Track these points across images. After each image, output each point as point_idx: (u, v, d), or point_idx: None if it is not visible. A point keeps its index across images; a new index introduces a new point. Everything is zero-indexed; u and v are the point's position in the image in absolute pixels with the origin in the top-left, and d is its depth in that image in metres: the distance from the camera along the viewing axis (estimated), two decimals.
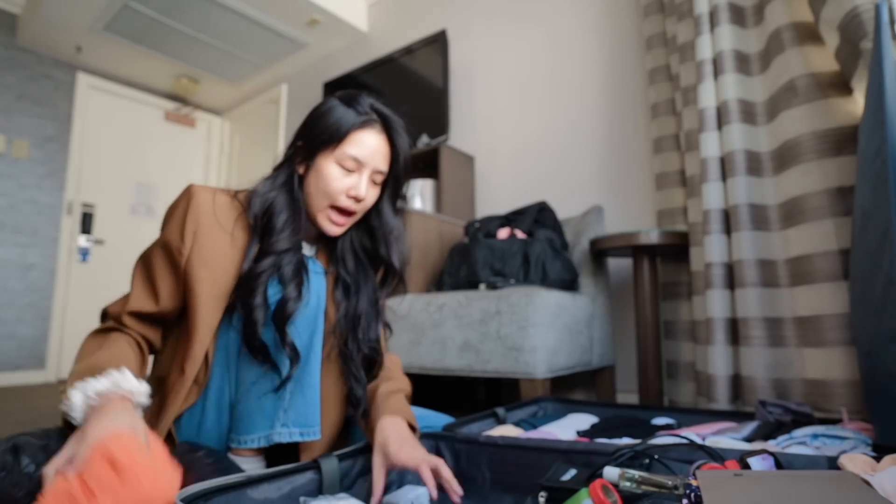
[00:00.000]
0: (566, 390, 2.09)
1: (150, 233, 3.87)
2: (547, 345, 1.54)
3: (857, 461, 0.68)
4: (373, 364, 0.95)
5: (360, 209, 0.89)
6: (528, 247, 1.80)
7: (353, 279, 0.94)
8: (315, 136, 0.86)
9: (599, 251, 1.84)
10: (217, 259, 0.80)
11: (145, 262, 0.82)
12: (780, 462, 0.71)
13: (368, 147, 0.86)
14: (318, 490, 0.73)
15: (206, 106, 4.37)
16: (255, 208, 0.83)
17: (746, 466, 0.67)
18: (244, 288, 0.79)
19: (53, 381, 3.32)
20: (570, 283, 1.83)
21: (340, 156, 0.85)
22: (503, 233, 1.93)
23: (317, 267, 0.88)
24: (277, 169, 0.89)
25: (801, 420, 1.12)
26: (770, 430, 1.03)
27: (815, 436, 0.93)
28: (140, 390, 0.68)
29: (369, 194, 0.88)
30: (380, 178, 0.90)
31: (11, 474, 0.63)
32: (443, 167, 2.39)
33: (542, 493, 0.70)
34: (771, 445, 0.91)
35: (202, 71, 3.84)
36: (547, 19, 2.50)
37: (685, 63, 1.77)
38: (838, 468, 0.69)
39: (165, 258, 0.80)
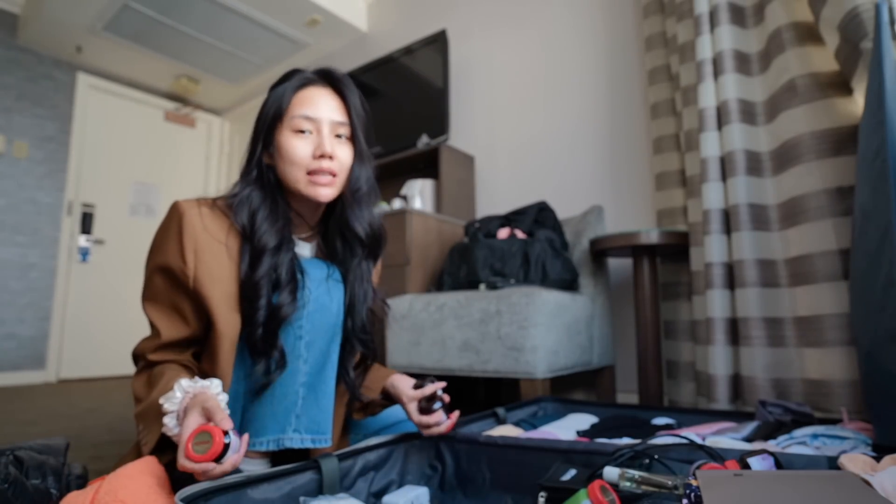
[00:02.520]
0: (566, 390, 2.09)
1: (150, 233, 3.85)
2: (547, 345, 1.54)
3: (857, 461, 0.68)
4: (365, 353, 0.95)
5: (338, 168, 0.85)
6: (528, 247, 1.80)
7: (342, 266, 0.91)
8: (263, 120, 0.85)
9: (599, 251, 1.84)
10: (222, 272, 0.79)
11: (155, 293, 0.81)
12: (780, 462, 0.71)
13: (314, 101, 0.84)
14: (318, 490, 0.72)
15: (206, 106, 4.37)
16: (241, 213, 0.82)
17: (746, 466, 0.67)
18: (247, 295, 0.78)
19: (53, 381, 3.32)
20: (570, 283, 1.83)
21: (291, 122, 0.83)
22: (503, 233, 1.93)
23: (336, 275, 0.87)
24: (246, 169, 0.87)
25: (801, 420, 1.12)
26: (770, 430, 1.03)
27: (815, 436, 0.93)
28: (214, 383, 0.71)
29: (338, 150, 0.85)
30: (344, 131, 0.86)
31: (15, 486, 0.63)
32: (443, 167, 2.39)
33: (542, 493, 0.70)
34: (771, 445, 0.91)
35: (202, 71, 3.84)
36: (547, 19, 2.50)
37: (685, 63, 1.77)
38: (838, 468, 0.69)
39: (172, 282, 0.79)
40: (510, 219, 2.01)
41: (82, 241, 3.55)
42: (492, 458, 0.88)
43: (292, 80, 0.86)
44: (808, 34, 1.38)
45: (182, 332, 0.80)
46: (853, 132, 1.27)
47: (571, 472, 0.74)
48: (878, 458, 0.69)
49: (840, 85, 1.33)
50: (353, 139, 0.88)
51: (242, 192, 0.84)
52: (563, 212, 2.18)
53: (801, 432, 0.95)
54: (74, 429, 1.73)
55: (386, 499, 0.77)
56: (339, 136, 0.86)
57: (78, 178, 3.56)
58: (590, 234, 1.96)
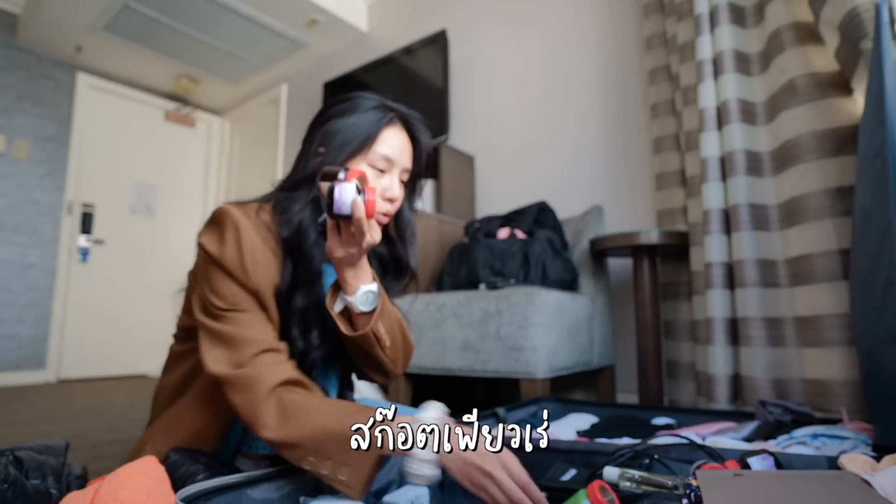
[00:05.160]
0: (566, 390, 2.08)
1: (149, 233, 3.88)
2: (547, 345, 1.54)
3: (857, 461, 0.68)
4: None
5: (394, 210, 0.86)
6: (528, 247, 1.80)
7: None
8: (343, 143, 0.81)
9: (599, 251, 1.84)
10: (273, 280, 0.77)
11: (238, 301, 0.74)
12: (780, 462, 0.71)
13: (397, 145, 0.85)
14: (319, 490, 0.72)
15: (206, 106, 4.37)
16: (289, 230, 0.78)
17: (746, 466, 0.67)
18: (282, 314, 0.77)
19: (53, 381, 3.32)
20: (570, 283, 1.83)
21: (373, 158, 0.82)
22: (503, 233, 1.93)
23: None
24: (299, 181, 0.83)
25: (801, 420, 1.12)
26: (770, 430, 1.03)
27: (815, 436, 0.93)
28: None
29: (399, 194, 0.85)
30: (406, 177, 0.88)
31: (15, 486, 0.63)
32: (443, 167, 2.39)
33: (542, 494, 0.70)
34: (771, 445, 0.91)
35: (202, 71, 3.84)
36: (547, 19, 2.50)
37: (685, 63, 1.77)
38: (838, 468, 0.69)
39: (241, 290, 0.74)
40: (510, 219, 2.01)
41: (82, 241, 3.55)
42: None
43: (382, 115, 0.84)
44: (808, 34, 1.38)
45: (273, 333, 0.76)
46: (853, 132, 1.27)
47: (571, 472, 0.74)
48: (878, 458, 0.69)
49: (840, 85, 1.33)
50: (408, 184, 0.89)
51: (292, 206, 0.80)
52: (563, 212, 2.18)
53: (801, 432, 0.95)
54: (74, 429, 1.73)
55: (386, 499, 0.77)
56: (401, 180, 0.87)
57: (78, 177, 3.56)
58: (590, 234, 1.96)
